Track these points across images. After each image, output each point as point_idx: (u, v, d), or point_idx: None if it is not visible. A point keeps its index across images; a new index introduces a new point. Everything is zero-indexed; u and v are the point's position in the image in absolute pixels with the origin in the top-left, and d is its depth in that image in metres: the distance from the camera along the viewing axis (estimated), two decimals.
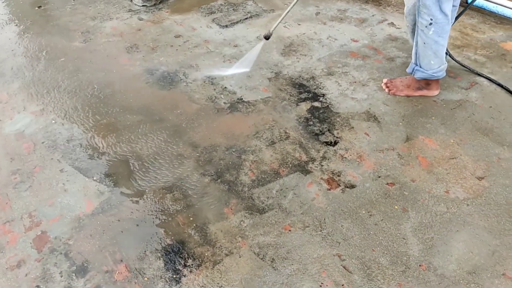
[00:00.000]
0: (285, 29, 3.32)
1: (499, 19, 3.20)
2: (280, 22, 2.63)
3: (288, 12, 2.59)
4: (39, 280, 1.83)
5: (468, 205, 1.99)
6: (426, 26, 2.31)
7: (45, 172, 2.30)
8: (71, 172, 2.28)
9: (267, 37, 2.68)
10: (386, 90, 2.64)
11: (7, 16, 3.79)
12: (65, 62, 3.13)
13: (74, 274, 1.84)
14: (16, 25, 3.63)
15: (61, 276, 1.84)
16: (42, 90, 2.86)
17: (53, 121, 2.61)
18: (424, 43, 2.37)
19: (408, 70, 2.57)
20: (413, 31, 2.49)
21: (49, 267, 1.87)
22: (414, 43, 2.46)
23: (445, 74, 2.53)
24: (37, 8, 3.88)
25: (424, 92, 2.59)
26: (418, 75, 2.51)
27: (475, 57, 2.87)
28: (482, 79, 2.69)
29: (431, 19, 2.27)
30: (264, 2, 3.70)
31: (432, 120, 2.44)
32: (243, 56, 2.92)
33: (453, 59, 2.78)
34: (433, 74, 2.48)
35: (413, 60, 2.52)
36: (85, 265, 1.87)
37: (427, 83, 2.56)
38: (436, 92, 2.59)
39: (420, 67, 2.48)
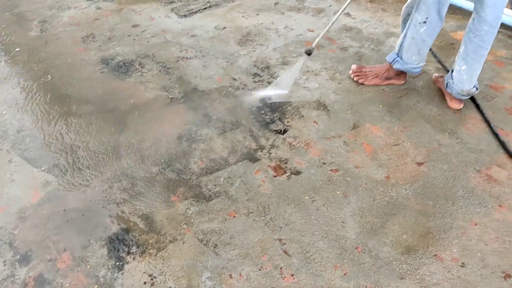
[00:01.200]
0: (243, 19, 3.34)
1: (452, 10, 3.28)
2: (322, 36, 2.50)
3: (331, 25, 2.46)
4: None
5: (406, 189, 2.06)
6: (419, 23, 2.33)
7: None
8: (19, 162, 2.28)
9: (309, 53, 2.52)
10: (355, 78, 2.68)
11: None
12: (20, 52, 3.10)
13: (17, 263, 1.85)
14: None
15: (5, 265, 1.84)
16: None
17: (4, 112, 2.59)
18: (412, 38, 2.40)
19: (388, 58, 2.58)
20: (404, 22, 2.50)
21: None
22: (402, 35, 2.46)
23: (420, 71, 2.58)
24: None
25: (392, 82, 2.65)
26: (397, 66, 2.55)
27: None
28: (429, 67, 2.76)
29: (427, 18, 2.29)
30: None
31: (379, 108, 2.50)
32: (283, 73, 2.75)
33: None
34: (411, 69, 2.52)
35: (396, 50, 2.53)
36: (29, 254, 1.88)
37: (397, 73, 2.61)
38: (402, 82, 2.65)
39: (401, 58, 2.51)
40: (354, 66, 2.71)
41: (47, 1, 3.69)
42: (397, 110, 2.49)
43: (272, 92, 2.61)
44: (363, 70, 2.69)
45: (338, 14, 2.41)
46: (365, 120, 2.44)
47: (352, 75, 2.69)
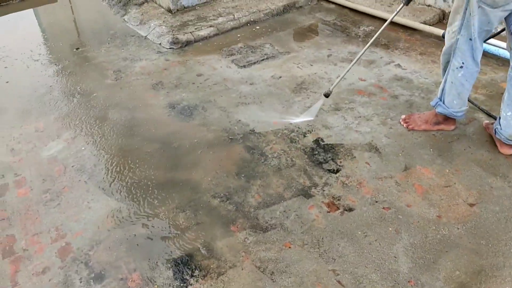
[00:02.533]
0: (297, 69, 3.58)
1: (501, 61, 3.37)
2: (339, 81, 2.80)
3: (348, 70, 2.76)
4: (61, 285, 2.04)
5: (458, 228, 2.11)
6: (457, 68, 2.48)
7: (72, 192, 2.55)
8: (95, 192, 2.53)
9: (327, 95, 2.85)
10: (405, 125, 2.81)
11: (48, 56, 4.21)
12: (97, 97, 3.46)
13: (92, 281, 2.04)
14: (56, 64, 4.03)
15: (81, 282, 2.04)
16: (75, 120, 3.17)
17: (83, 148, 2.89)
18: (452, 82, 2.54)
19: (432, 103, 2.73)
20: (444, 69, 2.64)
21: (70, 274, 2.08)
22: (443, 80, 2.62)
23: (464, 116, 2.69)
24: (75, 49, 4.30)
25: (442, 127, 2.74)
26: (439, 109, 2.68)
27: (475, 96, 3.04)
28: (480, 115, 2.84)
29: (463, 63, 2.45)
30: (280, 45, 4.00)
31: (430, 151, 2.60)
32: (304, 112, 3.03)
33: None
34: (453, 113, 2.64)
35: (438, 95, 2.68)
36: (103, 273, 2.07)
37: (445, 118, 2.72)
38: (452, 127, 2.75)
39: (443, 103, 2.65)
40: (403, 116, 2.86)
41: (121, 54, 4.11)
42: (448, 154, 2.57)
43: (301, 119, 2.95)
44: (412, 117, 2.82)
45: (356, 58, 2.78)
46: (416, 162, 2.53)
47: (402, 123, 2.82)
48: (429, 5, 4.23)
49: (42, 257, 2.18)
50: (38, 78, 3.82)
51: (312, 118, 2.92)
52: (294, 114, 3.03)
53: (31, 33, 4.92)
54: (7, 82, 3.82)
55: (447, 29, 2.51)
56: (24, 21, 5.40)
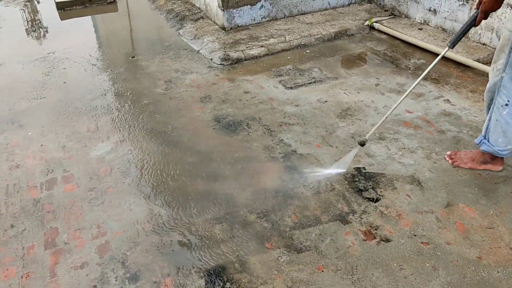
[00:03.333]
0: (344, 95, 3.60)
1: None
2: (377, 128, 2.72)
3: (387, 116, 2.69)
4: (97, 281, 2.10)
5: (498, 272, 2.04)
6: (502, 106, 2.45)
7: (116, 192, 2.64)
8: (137, 195, 2.61)
9: (362, 144, 2.67)
10: (450, 161, 2.76)
11: (105, 62, 4.41)
12: (147, 104, 3.59)
13: (127, 280, 2.09)
14: (111, 70, 4.22)
15: (116, 281, 2.10)
16: (125, 124, 3.30)
17: (129, 151, 3.00)
18: (497, 120, 2.51)
19: (476, 141, 2.69)
20: (488, 107, 2.62)
21: (107, 271, 2.15)
22: (488, 117, 2.58)
23: (510, 154, 2.63)
24: (130, 58, 4.49)
25: (489, 167, 2.68)
26: (484, 147, 2.63)
27: None
28: None
29: (508, 101, 2.42)
30: (329, 70, 4.04)
31: (474, 190, 2.54)
32: (340, 160, 2.83)
33: None
34: (498, 151, 2.59)
35: (482, 133, 2.64)
36: (138, 274, 2.12)
37: (492, 157, 2.66)
38: (500, 168, 2.67)
39: (488, 141, 2.60)
40: (449, 152, 2.81)
41: (174, 65, 4.26)
42: (494, 195, 2.50)
43: (332, 171, 2.74)
44: (458, 154, 2.77)
45: (397, 103, 2.65)
46: (459, 200, 2.48)
47: (447, 159, 2.77)
48: (483, 44, 4.17)
49: (81, 252, 2.26)
50: (94, 82, 4.01)
51: (344, 170, 2.73)
52: (338, 139, 3.04)
53: (91, 39, 5.19)
54: (65, 82, 4.03)
55: (492, 66, 2.49)
56: (85, 26, 5.71)
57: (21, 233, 2.39)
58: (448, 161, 2.76)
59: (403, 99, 2.67)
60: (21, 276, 2.14)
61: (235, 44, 4.49)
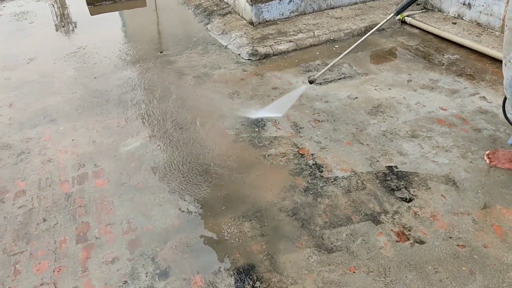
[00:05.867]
0: (375, 91, 3.52)
1: None
2: (327, 69, 2.88)
3: (338, 60, 2.86)
4: (127, 276, 2.12)
5: None
6: None
7: (146, 188, 2.65)
8: (167, 191, 2.61)
9: (311, 81, 2.83)
10: (488, 161, 2.67)
11: (134, 57, 4.44)
12: (176, 99, 3.60)
13: (157, 276, 2.10)
14: (140, 65, 4.25)
15: (146, 276, 2.11)
16: (153, 120, 3.31)
17: (159, 147, 3.01)
18: None
19: (509, 141, 2.61)
20: None
21: (137, 267, 2.16)
22: None
23: None
24: (159, 53, 4.51)
25: None
26: None
27: None
28: None
29: None
30: (359, 65, 3.96)
31: None
32: (279, 99, 2.96)
33: None
34: None
35: None
36: (167, 270, 2.12)
37: None
38: None
39: None
40: (487, 151, 2.72)
41: (202, 60, 4.26)
42: None
43: (268, 114, 2.87)
44: (496, 153, 2.67)
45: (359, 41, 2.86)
46: (497, 201, 2.39)
47: (485, 158, 2.68)
48: None
49: (112, 247, 2.28)
50: (123, 77, 4.04)
51: (281, 116, 2.79)
52: (369, 136, 2.97)
53: (120, 34, 5.24)
54: (95, 77, 4.07)
55: (503, 61, 2.41)
56: (114, 21, 5.76)
57: (53, 227, 2.43)
58: (485, 160, 2.66)
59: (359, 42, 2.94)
60: (53, 270, 2.17)
61: (263, 39, 4.45)
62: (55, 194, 2.66)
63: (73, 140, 3.15)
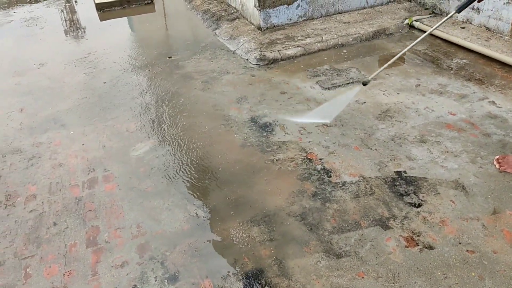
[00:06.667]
0: (383, 96, 3.51)
1: None
2: (381, 71, 2.81)
3: (393, 60, 2.79)
4: (137, 280, 2.13)
5: None
6: None
7: (155, 193, 2.67)
8: (176, 196, 2.63)
9: (365, 83, 2.72)
10: (497, 165, 2.66)
11: (143, 62, 4.48)
12: (184, 104, 3.62)
13: (166, 281, 2.11)
14: (149, 70, 4.28)
15: (156, 280, 2.12)
16: (163, 125, 3.34)
17: (168, 152, 3.03)
18: None
19: None
20: None
21: (146, 271, 2.17)
22: None
23: None
24: (167, 58, 4.54)
25: None
26: None
27: None
28: None
29: None
30: (367, 70, 3.96)
31: None
32: (327, 103, 2.88)
33: None
34: None
35: None
36: (177, 275, 2.14)
37: None
38: None
39: None
40: (497, 156, 2.70)
41: (210, 65, 4.28)
42: None
43: (315, 120, 2.79)
44: (507, 158, 2.66)
45: (412, 45, 2.81)
46: (507, 207, 2.38)
47: (494, 163, 2.67)
48: None
49: (122, 251, 2.29)
50: (132, 82, 4.07)
51: (329, 122, 2.71)
52: (378, 141, 2.97)
53: (129, 39, 5.28)
54: (104, 83, 4.11)
55: None
56: (123, 27, 5.81)
57: (63, 231, 2.45)
58: (495, 165, 2.65)
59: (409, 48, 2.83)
60: (63, 274, 2.19)
61: (271, 44, 4.46)
62: (65, 198, 2.68)
63: (83, 144, 3.18)
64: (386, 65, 2.81)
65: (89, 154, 3.07)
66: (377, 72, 2.69)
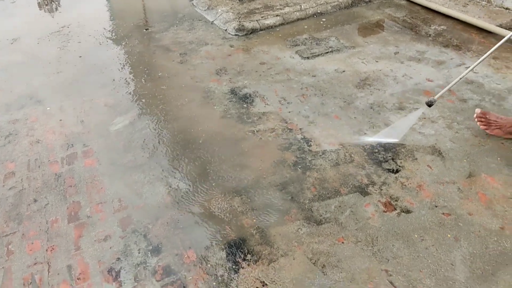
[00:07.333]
0: (362, 64, 3.52)
1: None
2: (447, 89, 2.59)
3: (460, 79, 2.54)
4: (120, 253, 2.14)
5: None
6: None
7: (136, 166, 2.66)
8: (157, 169, 2.63)
9: (430, 104, 2.57)
10: (478, 123, 2.66)
11: (120, 35, 4.38)
12: (163, 77, 3.58)
13: (149, 253, 2.13)
14: (126, 43, 4.20)
15: (139, 253, 2.14)
16: (141, 98, 3.30)
17: (147, 126, 3.00)
18: None
19: None
20: None
21: (130, 244, 2.18)
22: None
23: None
24: (144, 30, 4.45)
25: None
26: None
27: None
28: None
29: None
30: (346, 38, 3.95)
31: (497, 160, 2.49)
32: (395, 122, 2.80)
33: None
34: None
35: None
36: (160, 246, 2.16)
37: None
38: None
39: None
40: (478, 110, 2.67)
41: (188, 37, 4.21)
42: None
43: (384, 139, 2.67)
44: (487, 116, 2.66)
45: (470, 69, 2.51)
46: (482, 170, 2.44)
47: (475, 119, 2.68)
48: (507, 8, 4.02)
49: (104, 226, 2.30)
50: (109, 55, 3.99)
51: (397, 140, 2.63)
52: (357, 109, 2.99)
53: (104, 11, 5.14)
54: (80, 56, 4.02)
55: None
56: None
57: (44, 207, 2.44)
58: (477, 122, 2.64)
59: (478, 63, 2.55)
60: (46, 250, 2.19)
61: (250, 14, 4.40)
62: (44, 174, 2.66)
63: (60, 120, 3.14)
64: (456, 80, 2.58)
65: (67, 129, 3.03)
66: (443, 92, 2.57)
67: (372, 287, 1.89)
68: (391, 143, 2.66)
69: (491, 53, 2.53)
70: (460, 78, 2.51)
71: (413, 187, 2.37)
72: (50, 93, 3.47)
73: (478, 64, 2.55)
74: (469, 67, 3.31)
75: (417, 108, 2.94)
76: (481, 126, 2.65)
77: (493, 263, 1.95)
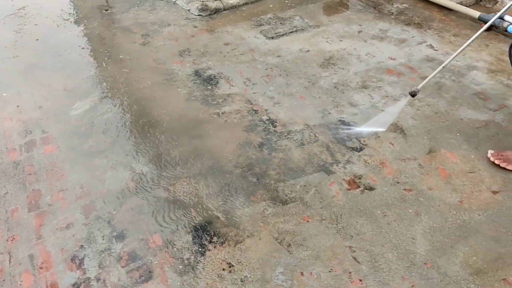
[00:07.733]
0: (326, 44, 3.53)
1: None
2: (430, 79, 2.52)
3: (442, 67, 2.49)
4: (83, 241, 2.10)
5: (479, 215, 2.09)
6: None
7: (98, 152, 2.60)
8: (120, 154, 2.57)
9: (413, 94, 2.50)
10: (496, 161, 2.36)
11: (78, 16, 4.23)
12: (124, 59, 3.48)
13: (114, 239, 2.10)
14: (85, 25, 4.05)
15: (103, 239, 2.10)
16: (102, 81, 3.21)
17: (109, 110, 2.93)
18: None
19: None
20: None
21: (93, 231, 2.15)
22: None
23: None
24: (104, 11, 4.31)
25: None
26: None
27: (507, 82, 2.96)
28: (510, 102, 2.77)
29: None
30: (310, 17, 3.93)
31: (456, 136, 2.56)
32: (381, 112, 2.76)
33: None
34: None
35: None
36: (124, 232, 2.13)
37: None
38: None
39: None
40: (491, 151, 2.41)
41: (150, 18, 4.11)
42: (475, 139, 2.53)
43: (371, 129, 2.65)
44: (503, 154, 2.39)
45: (453, 56, 2.50)
46: (442, 146, 2.50)
47: (492, 159, 2.38)
48: None
49: (66, 213, 2.24)
50: (67, 38, 3.85)
51: (384, 129, 2.61)
52: (321, 89, 3.00)
53: None
54: (37, 39, 3.86)
55: None
56: None
57: (3, 196, 2.36)
58: (495, 161, 2.37)
59: (463, 48, 2.52)
60: (7, 240, 2.12)
61: None
62: (2, 163, 2.57)
63: (18, 106, 3.02)
64: (436, 71, 2.54)
65: (25, 116, 2.92)
66: (426, 80, 2.49)
67: (336, 263, 1.92)
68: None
69: (476, 37, 2.48)
70: (443, 66, 2.51)
71: (376, 164, 2.41)
72: (6, 79, 3.33)
73: (463, 50, 2.52)
74: (430, 44, 3.37)
75: (380, 87, 2.98)
76: (501, 164, 2.35)
77: (452, 236, 2.01)
